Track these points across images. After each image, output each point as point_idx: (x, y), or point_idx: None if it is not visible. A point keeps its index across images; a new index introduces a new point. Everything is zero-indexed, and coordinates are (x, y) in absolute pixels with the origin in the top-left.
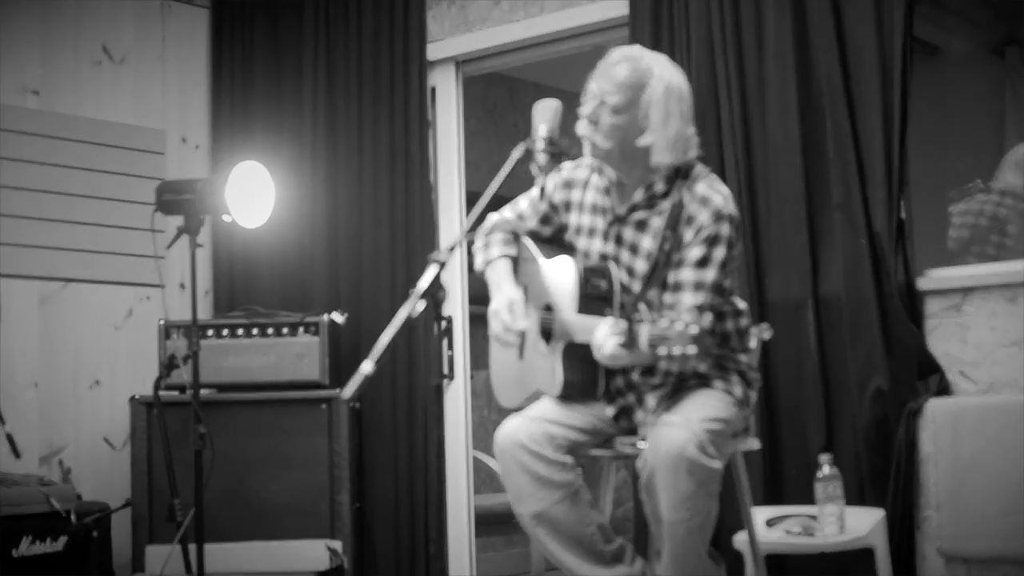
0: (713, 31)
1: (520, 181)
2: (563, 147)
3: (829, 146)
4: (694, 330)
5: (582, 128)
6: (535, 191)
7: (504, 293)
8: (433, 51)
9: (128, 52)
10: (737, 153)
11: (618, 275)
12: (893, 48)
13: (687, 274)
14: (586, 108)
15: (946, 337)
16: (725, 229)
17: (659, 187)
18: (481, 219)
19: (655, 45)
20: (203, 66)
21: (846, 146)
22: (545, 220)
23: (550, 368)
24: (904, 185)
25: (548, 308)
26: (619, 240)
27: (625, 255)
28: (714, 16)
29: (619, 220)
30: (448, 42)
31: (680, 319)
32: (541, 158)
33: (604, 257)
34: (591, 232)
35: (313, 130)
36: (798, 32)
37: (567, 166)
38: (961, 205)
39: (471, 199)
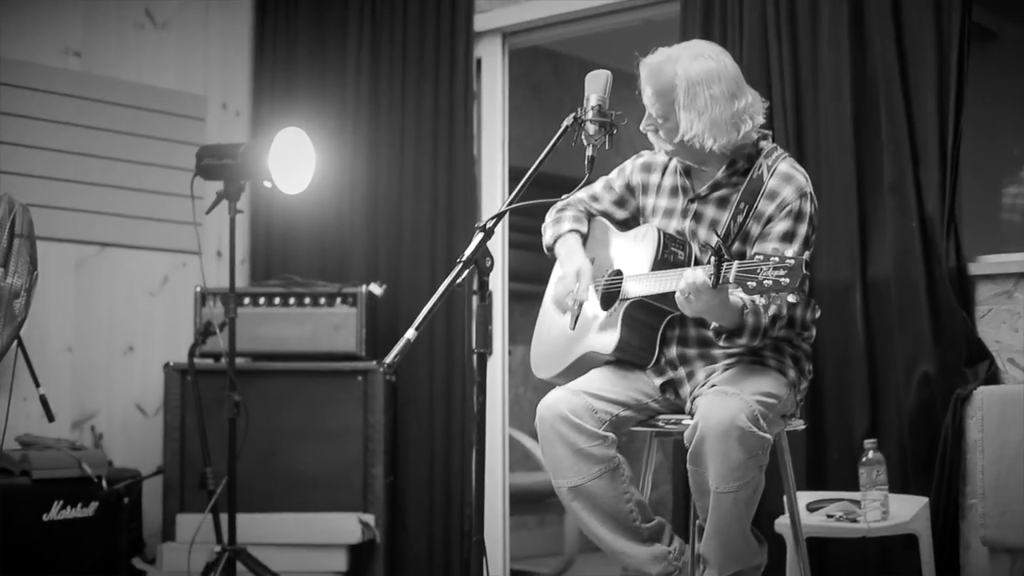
0: (767, 8)
1: (562, 156)
2: (612, 117)
3: (882, 128)
4: (789, 262)
5: (651, 136)
6: (613, 173)
7: (574, 262)
8: (480, 22)
9: (171, 16)
10: (788, 133)
11: (695, 249)
12: (951, 30)
13: (772, 246)
14: (644, 121)
15: (996, 324)
16: (808, 207)
17: (741, 164)
18: (526, 190)
19: (706, 22)
20: (246, 32)
21: (900, 128)
22: (621, 202)
23: (606, 328)
24: (958, 169)
25: (616, 273)
26: (697, 217)
27: (702, 232)
28: None
29: (700, 198)
30: (495, 13)
31: (774, 254)
32: (591, 128)
33: (681, 233)
34: (668, 212)
35: (356, 99)
36: (853, 11)
37: (646, 152)
38: (1012, 189)
39: (513, 174)
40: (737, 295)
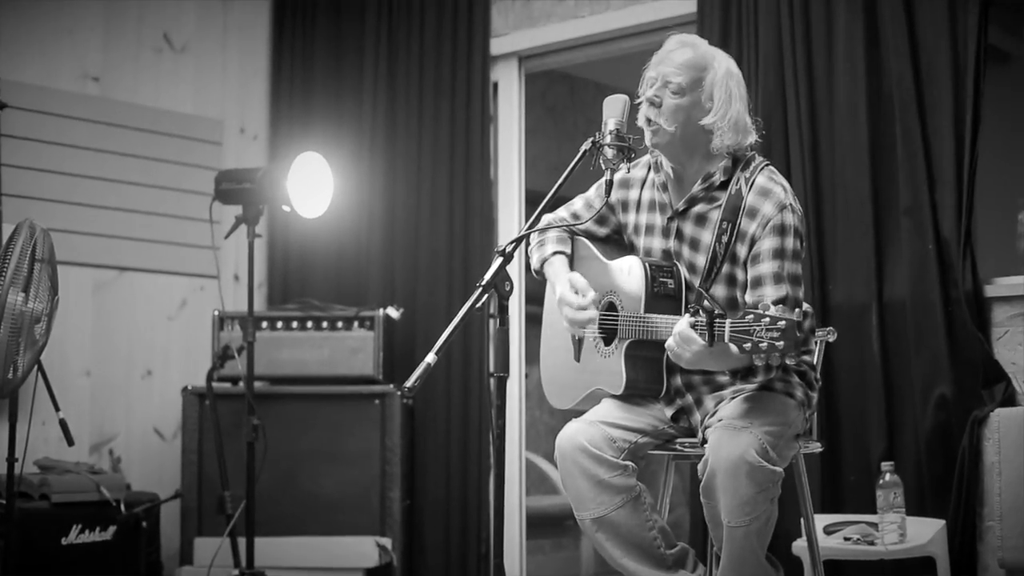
0: (782, 29)
1: (576, 178)
2: (630, 141)
3: (898, 149)
4: (781, 324)
5: (644, 111)
6: (591, 192)
7: (563, 281)
8: (496, 46)
9: (189, 40)
10: (804, 154)
11: (682, 272)
12: (967, 51)
13: (765, 267)
14: (648, 91)
15: (1013, 346)
16: (790, 218)
17: (718, 177)
18: (545, 213)
19: (723, 44)
20: (263, 56)
21: (915, 149)
22: (601, 220)
23: (612, 367)
24: (974, 191)
25: (610, 307)
26: (679, 236)
27: (686, 251)
28: (783, 14)
29: (678, 215)
30: (512, 37)
31: (765, 313)
32: (608, 152)
33: (667, 254)
34: (649, 229)
35: (372, 123)
36: (869, 32)
37: (624, 167)
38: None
39: (529, 197)
40: None
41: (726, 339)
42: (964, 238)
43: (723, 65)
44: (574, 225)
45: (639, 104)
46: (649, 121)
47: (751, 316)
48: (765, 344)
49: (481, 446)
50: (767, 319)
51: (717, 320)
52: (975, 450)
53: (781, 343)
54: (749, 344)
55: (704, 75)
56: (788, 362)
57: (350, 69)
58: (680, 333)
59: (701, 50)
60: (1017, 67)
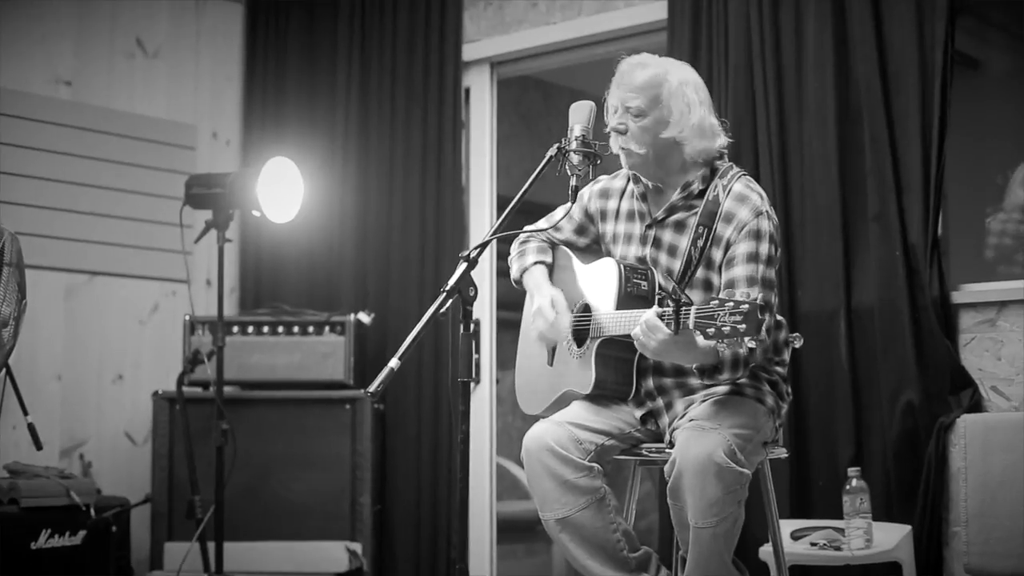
0: (752, 36)
1: (550, 184)
2: (596, 148)
3: (866, 156)
4: (744, 307)
5: (614, 142)
6: (570, 203)
7: (544, 293)
8: (468, 52)
9: (162, 46)
10: (773, 160)
11: (657, 277)
12: (934, 59)
13: (739, 270)
14: (612, 121)
15: (979, 352)
16: (766, 224)
17: (696, 186)
18: (511, 219)
19: (693, 49)
20: (236, 62)
21: (884, 156)
22: (581, 230)
23: (582, 367)
24: (941, 198)
25: (584, 309)
26: (657, 243)
27: (663, 257)
28: (753, 21)
29: (657, 223)
30: (484, 43)
31: (729, 298)
32: (574, 158)
33: (642, 261)
34: (628, 239)
35: (345, 128)
36: (838, 40)
37: (604, 177)
38: (989, 224)
39: (502, 203)
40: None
41: (691, 325)
42: (931, 245)
43: (676, 76)
44: (542, 231)
45: (608, 133)
46: (620, 147)
47: (715, 302)
48: (728, 328)
49: (452, 451)
50: (730, 303)
51: (683, 308)
52: (941, 456)
53: (743, 326)
54: (713, 329)
55: (660, 91)
56: (751, 344)
57: (323, 75)
58: (646, 321)
59: (652, 68)
60: (987, 74)
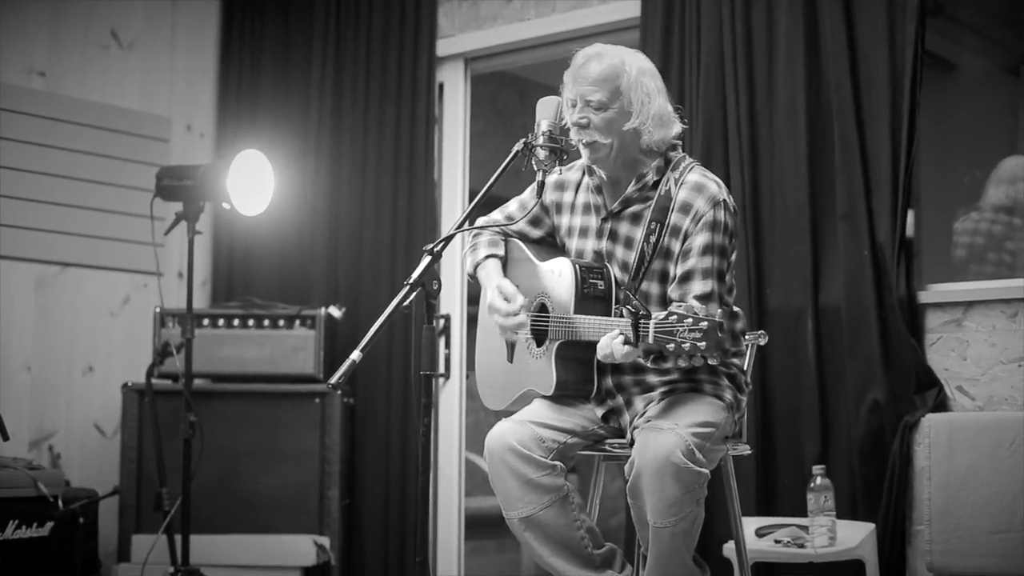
0: (724, 34)
1: (525, 180)
2: (563, 143)
3: (836, 155)
4: (704, 324)
5: (575, 135)
6: (526, 194)
7: (493, 287)
8: (443, 47)
9: (137, 37)
10: (743, 159)
11: (613, 274)
12: (904, 60)
13: (694, 262)
14: (573, 116)
15: (945, 352)
16: (722, 215)
17: (651, 177)
18: (476, 213)
19: (666, 47)
20: (212, 55)
21: (853, 156)
22: (535, 222)
23: (542, 368)
24: (910, 198)
25: (541, 309)
26: (613, 236)
27: (619, 251)
28: (725, 20)
29: (612, 216)
30: (458, 38)
31: (688, 313)
32: (541, 153)
33: (598, 255)
34: (583, 232)
35: (319, 122)
36: (809, 40)
37: (559, 168)
38: (958, 224)
39: (473, 198)
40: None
41: (650, 340)
42: (899, 245)
43: (634, 66)
44: (506, 226)
45: (566, 128)
46: (584, 143)
47: (674, 317)
48: (688, 345)
49: (419, 443)
50: (689, 319)
51: (642, 322)
52: (906, 455)
53: (703, 344)
54: (672, 345)
55: (619, 83)
56: (711, 362)
57: (297, 69)
58: (614, 350)
59: (608, 58)
60: (961, 77)
